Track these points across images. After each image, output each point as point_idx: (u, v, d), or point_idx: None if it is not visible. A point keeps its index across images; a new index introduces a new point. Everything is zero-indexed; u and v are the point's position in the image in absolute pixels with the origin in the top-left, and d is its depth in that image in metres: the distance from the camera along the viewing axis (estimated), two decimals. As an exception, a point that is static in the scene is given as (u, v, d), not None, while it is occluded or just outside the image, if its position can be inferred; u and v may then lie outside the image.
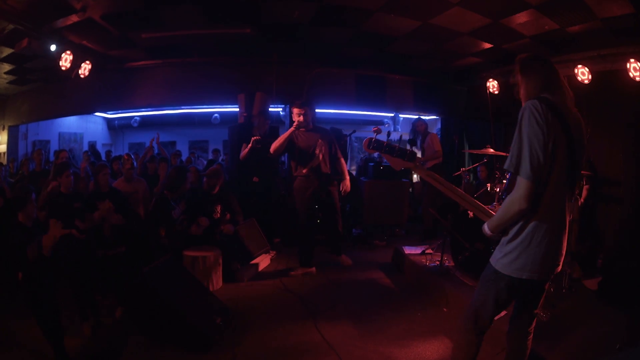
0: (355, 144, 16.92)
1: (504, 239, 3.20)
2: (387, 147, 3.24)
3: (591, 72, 9.07)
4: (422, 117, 11.40)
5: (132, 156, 10.94)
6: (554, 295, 5.82)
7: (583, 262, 7.16)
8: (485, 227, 3.29)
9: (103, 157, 15.57)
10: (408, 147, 8.40)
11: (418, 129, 10.95)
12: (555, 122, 2.88)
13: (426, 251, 8.16)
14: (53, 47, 9.25)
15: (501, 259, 3.19)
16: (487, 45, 10.06)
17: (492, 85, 11.34)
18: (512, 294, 3.30)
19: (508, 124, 12.35)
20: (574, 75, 9.03)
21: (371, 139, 3.20)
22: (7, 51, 10.19)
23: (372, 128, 4.47)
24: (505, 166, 3.01)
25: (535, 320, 3.49)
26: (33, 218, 5.43)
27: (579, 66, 9.05)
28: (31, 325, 5.74)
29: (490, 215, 3.34)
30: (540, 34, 8.75)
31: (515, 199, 2.95)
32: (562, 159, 2.90)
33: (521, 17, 8.08)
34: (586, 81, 9.02)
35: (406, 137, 17.83)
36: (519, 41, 9.32)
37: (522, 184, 2.91)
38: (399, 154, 3.27)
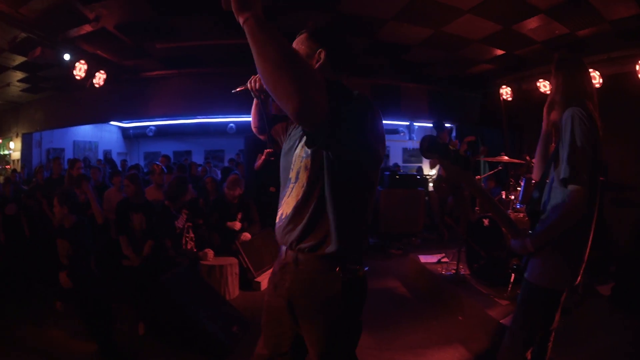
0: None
1: (543, 253, 3.11)
2: (448, 152, 3.13)
3: (602, 75, 9.16)
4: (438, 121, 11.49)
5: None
6: (569, 301, 5.92)
7: (596, 267, 7.19)
8: (528, 244, 3.12)
9: (118, 166, 15.70)
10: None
11: (440, 136, 10.94)
12: (594, 127, 2.92)
13: (442, 260, 8.23)
14: (67, 57, 9.41)
15: (542, 273, 3.12)
16: (499, 52, 10.17)
17: (506, 92, 11.46)
18: (556, 306, 3.23)
19: (522, 131, 12.44)
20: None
21: (430, 139, 3.08)
22: (20, 59, 10.33)
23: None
24: (564, 176, 2.91)
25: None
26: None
27: (590, 70, 8.98)
28: (42, 331, 6.00)
29: (519, 232, 3.26)
30: (551, 39, 8.83)
31: (572, 209, 2.89)
32: (596, 165, 2.93)
33: (532, 23, 8.18)
34: (597, 85, 9.02)
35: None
36: (531, 47, 9.43)
37: (577, 192, 2.86)
38: (460, 161, 3.16)
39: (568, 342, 3.71)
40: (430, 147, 2.86)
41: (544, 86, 10.33)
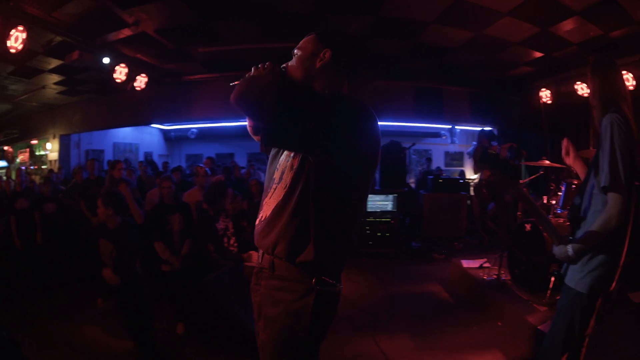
0: (414, 157, 17.01)
1: (584, 259, 3.20)
2: (498, 163, 3.06)
3: (635, 77, 9.18)
4: (485, 129, 11.59)
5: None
6: (602, 308, 5.95)
7: (629, 274, 7.12)
8: (570, 250, 3.24)
9: (160, 167, 16.01)
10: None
11: (483, 141, 10.94)
12: (630, 131, 3.02)
13: (484, 265, 8.29)
14: (106, 60, 9.66)
15: (583, 278, 3.20)
16: (538, 54, 10.24)
17: (545, 95, 11.50)
18: (592, 311, 3.27)
19: (561, 134, 12.40)
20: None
21: (483, 150, 3.10)
22: (55, 62, 10.58)
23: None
24: (604, 184, 3.00)
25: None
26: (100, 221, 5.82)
27: (624, 72, 8.95)
28: (80, 327, 6.31)
29: (562, 239, 3.36)
30: (586, 40, 8.90)
31: (612, 217, 2.98)
32: (633, 170, 3.02)
33: (567, 25, 8.28)
34: (631, 87, 9.05)
35: (462, 148, 18.00)
36: (567, 49, 9.51)
37: (616, 200, 2.96)
38: (509, 170, 3.12)
39: (598, 349, 3.79)
40: (482, 158, 3.02)
41: (582, 89, 10.39)
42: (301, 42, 2.87)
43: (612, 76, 3.32)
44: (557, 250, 3.36)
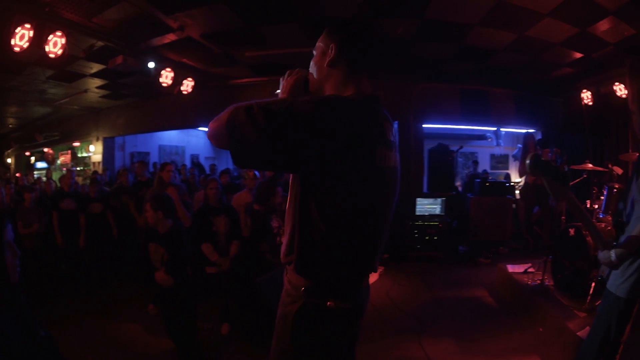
0: (460, 159, 17.03)
1: (625, 264, 3.31)
2: (551, 169, 3.17)
3: None
4: (529, 131, 11.69)
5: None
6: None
7: None
8: (612, 255, 3.33)
9: (207, 170, 16.35)
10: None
11: (529, 144, 11.11)
12: None
13: (528, 270, 8.40)
14: (151, 65, 9.94)
15: (623, 283, 3.32)
16: (578, 55, 10.30)
17: (586, 96, 11.56)
18: (629, 317, 3.33)
19: (602, 137, 12.44)
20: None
21: (536, 158, 3.18)
22: (97, 67, 10.96)
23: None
24: None
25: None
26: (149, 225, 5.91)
27: None
28: (120, 324, 6.66)
29: (606, 244, 3.42)
30: (621, 40, 8.95)
31: None
32: None
33: (603, 25, 8.35)
34: None
35: (508, 151, 18.02)
36: (605, 49, 9.56)
37: None
38: (560, 178, 3.26)
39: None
40: (536, 165, 3.12)
41: (620, 89, 10.45)
42: (317, 41, 2.66)
43: None
44: (602, 255, 3.45)
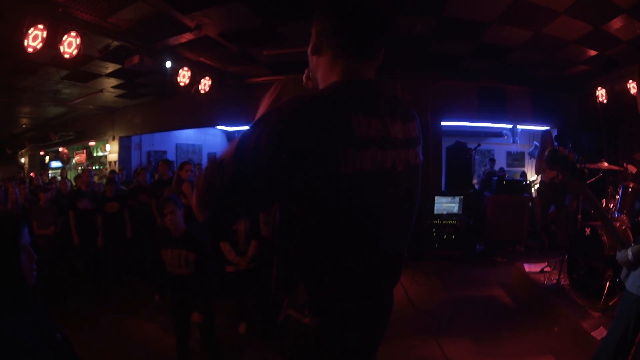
0: (477, 157, 17.00)
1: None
2: (568, 164, 3.02)
3: None
4: (547, 129, 11.67)
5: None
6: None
7: None
8: (629, 254, 3.35)
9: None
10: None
11: (547, 141, 11.05)
12: None
13: (545, 269, 8.41)
14: (168, 64, 9.95)
15: None
16: (593, 53, 10.30)
17: (601, 94, 11.51)
18: None
19: (616, 135, 12.46)
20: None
21: (554, 152, 3.10)
22: (113, 67, 11.00)
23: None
24: None
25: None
26: (173, 229, 5.62)
27: None
28: (137, 323, 6.72)
29: (623, 243, 3.49)
30: (633, 38, 8.94)
31: None
32: None
33: (617, 23, 8.35)
34: None
35: (524, 148, 18.01)
36: (619, 47, 9.57)
37: None
38: (576, 173, 3.20)
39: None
40: (553, 159, 3.14)
41: (633, 87, 10.31)
42: None
43: None
44: (619, 255, 3.49)
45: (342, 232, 1.97)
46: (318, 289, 2.04)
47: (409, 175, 2.19)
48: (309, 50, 2.24)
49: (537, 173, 12.01)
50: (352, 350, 2.22)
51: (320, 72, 2.21)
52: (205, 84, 11.20)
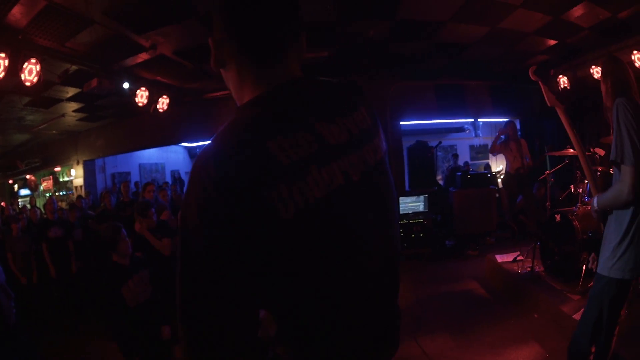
0: (440, 154, 17.03)
1: (613, 244, 3.37)
2: (548, 78, 3.07)
3: None
4: (508, 120, 11.79)
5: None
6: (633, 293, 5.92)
7: None
8: (594, 202, 3.58)
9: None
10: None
11: (509, 132, 11.31)
12: (638, 113, 3.20)
13: (517, 258, 8.48)
14: (126, 85, 9.83)
15: (615, 264, 3.34)
16: (552, 42, 10.37)
17: (563, 81, 11.55)
18: (624, 297, 3.39)
19: (581, 121, 12.46)
20: (632, 62, 9.16)
21: (537, 68, 3.26)
22: (73, 91, 10.90)
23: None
24: (612, 157, 3.24)
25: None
26: (129, 254, 5.35)
27: (635, 52, 9.23)
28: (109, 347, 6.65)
29: (596, 190, 3.72)
30: (596, 24, 9.01)
31: (623, 189, 3.17)
32: None
33: (577, 10, 8.38)
34: None
35: (487, 141, 18.14)
36: (580, 34, 9.62)
37: (627, 172, 3.15)
38: (558, 94, 3.28)
39: (629, 334, 3.75)
40: (536, 71, 3.20)
41: (597, 72, 10.38)
42: None
43: (621, 74, 3.55)
44: (592, 201, 3.65)
45: (319, 298, 1.51)
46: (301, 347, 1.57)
47: (372, 177, 1.73)
48: (211, 64, 1.74)
49: (492, 152, 12.07)
50: None
51: (232, 88, 1.77)
52: (163, 103, 11.08)
